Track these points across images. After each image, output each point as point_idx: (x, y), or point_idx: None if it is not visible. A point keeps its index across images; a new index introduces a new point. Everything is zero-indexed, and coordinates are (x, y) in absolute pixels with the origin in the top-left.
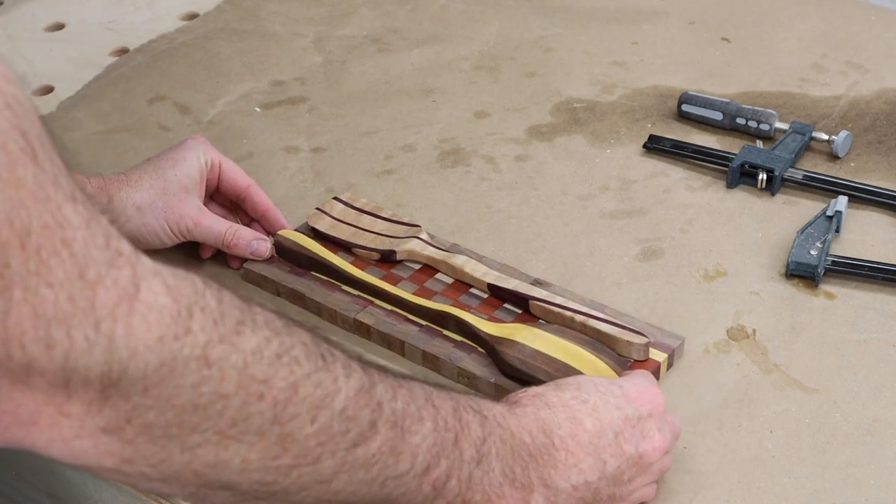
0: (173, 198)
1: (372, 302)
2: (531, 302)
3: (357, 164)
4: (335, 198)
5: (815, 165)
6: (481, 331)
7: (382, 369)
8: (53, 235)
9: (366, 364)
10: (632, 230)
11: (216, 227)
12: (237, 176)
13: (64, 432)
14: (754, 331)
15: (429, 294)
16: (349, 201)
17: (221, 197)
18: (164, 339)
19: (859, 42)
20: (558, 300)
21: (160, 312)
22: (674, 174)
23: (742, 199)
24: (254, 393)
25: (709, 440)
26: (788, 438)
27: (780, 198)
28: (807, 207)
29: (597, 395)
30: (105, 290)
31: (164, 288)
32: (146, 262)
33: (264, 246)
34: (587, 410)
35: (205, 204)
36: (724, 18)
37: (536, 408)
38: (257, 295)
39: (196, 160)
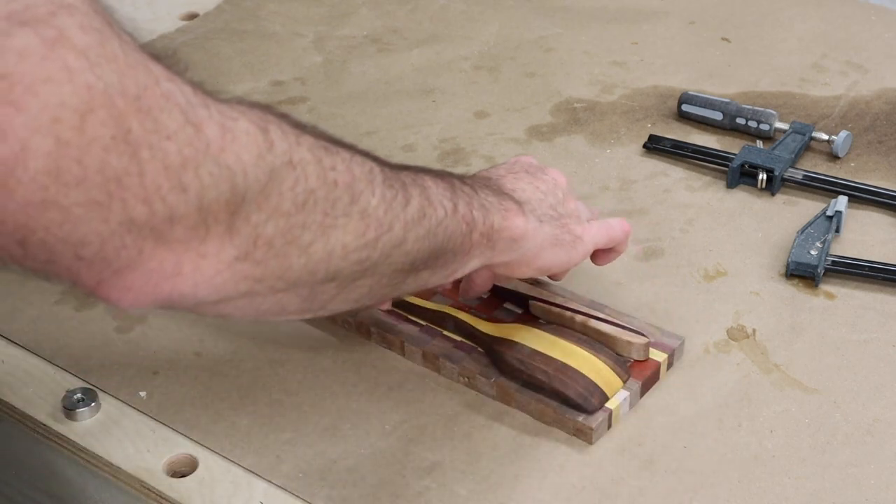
0: None
1: None
2: (531, 302)
3: None
4: None
5: (815, 165)
6: (479, 331)
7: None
8: (155, 93)
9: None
10: (632, 230)
11: None
12: None
13: (206, 272)
14: (754, 331)
15: (428, 294)
16: None
17: None
18: (262, 156)
19: (859, 42)
20: (558, 300)
21: (249, 135)
22: (674, 174)
23: (742, 199)
24: (329, 181)
25: (709, 440)
26: (788, 438)
27: (780, 198)
28: (807, 207)
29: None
30: (209, 128)
31: (242, 115)
32: (220, 103)
33: None
34: (528, 178)
35: None
36: (724, 18)
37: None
38: None
39: None
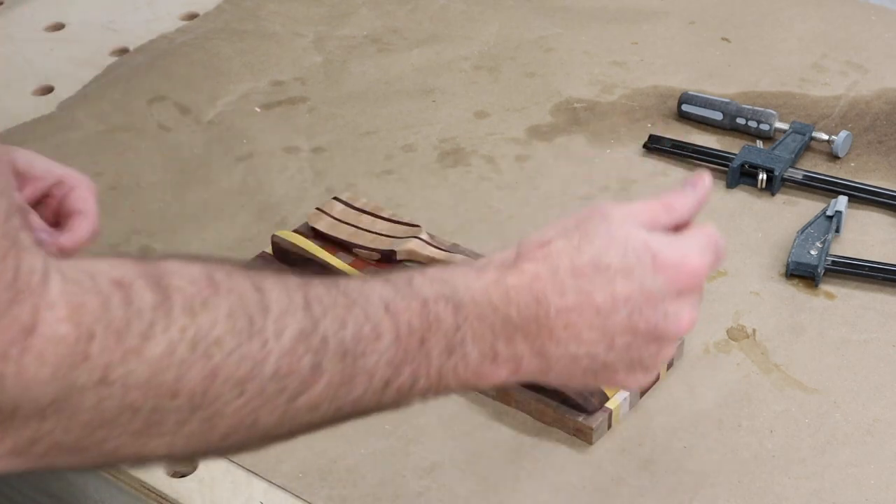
0: None
1: None
2: None
3: (357, 164)
4: (335, 198)
5: (815, 165)
6: None
7: (336, 288)
8: None
9: (314, 296)
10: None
11: None
12: (84, 206)
13: None
14: (754, 331)
15: None
16: (349, 201)
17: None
18: (59, 372)
19: (859, 42)
20: None
21: (57, 344)
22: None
23: (742, 199)
24: (165, 394)
25: (709, 440)
26: (788, 438)
27: (780, 198)
28: (807, 207)
29: (621, 261)
30: (1, 331)
31: (67, 312)
32: (54, 285)
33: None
34: (602, 282)
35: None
36: (724, 18)
37: (536, 274)
38: None
39: (55, 165)
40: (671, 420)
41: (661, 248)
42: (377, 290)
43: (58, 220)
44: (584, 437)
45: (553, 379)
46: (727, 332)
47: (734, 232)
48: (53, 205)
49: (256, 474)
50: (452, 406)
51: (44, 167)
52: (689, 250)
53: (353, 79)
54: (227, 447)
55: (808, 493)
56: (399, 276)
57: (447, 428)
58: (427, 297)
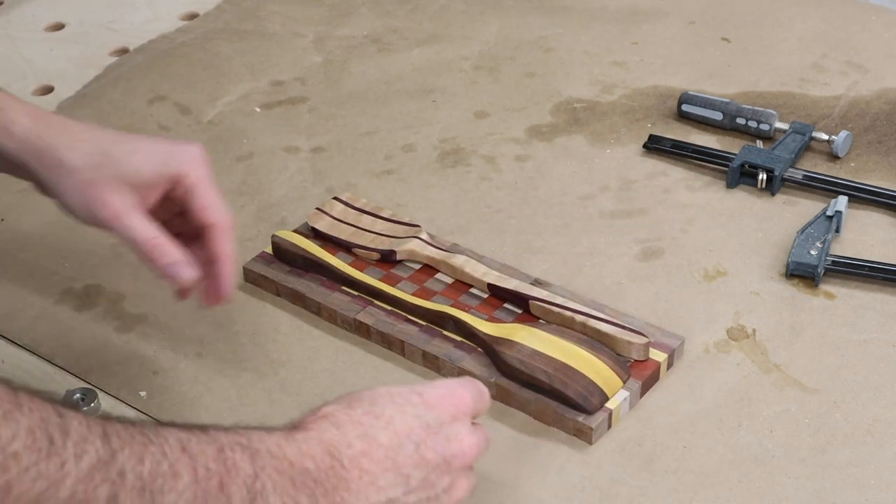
0: (103, 179)
1: (372, 302)
2: (531, 302)
3: (357, 164)
4: (335, 198)
5: (815, 165)
6: (480, 331)
7: (134, 427)
8: None
9: (113, 430)
10: (632, 230)
11: (139, 231)
12: (207, 207)
13: None
14: (754, 331)
15: (429, 294)
16: (349, 201)
17: (184, 222)
18: None
19: (859, 42)
20: (558, 300)
21: None
22: (674, 174)
23: (742, 199)
24: None
25: (709, 440)
26: (788, 438)
27: (780, 198)
28: (807, 207)
29: (392, 406)
30: None
31: None
32: None
33: (186, 273)
34: (381, 424)
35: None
36: (724, 18)
37: (321, 430)
38: (258, 295)
39: (160, 164)
40: (671, 420)
41: (424, 388)
42: (173, 432)
43: (190, 226)
44: (584, 436)
45: None
46: (727, 332)
47: (734, 232)
48: (175, 209)
49: None
50: None
51: (152, 170)
52: (449, 385)
53: (353, 79)
54: None
55: (809, 493)
56: (193, 424)
57: None
58: (223, 443)
